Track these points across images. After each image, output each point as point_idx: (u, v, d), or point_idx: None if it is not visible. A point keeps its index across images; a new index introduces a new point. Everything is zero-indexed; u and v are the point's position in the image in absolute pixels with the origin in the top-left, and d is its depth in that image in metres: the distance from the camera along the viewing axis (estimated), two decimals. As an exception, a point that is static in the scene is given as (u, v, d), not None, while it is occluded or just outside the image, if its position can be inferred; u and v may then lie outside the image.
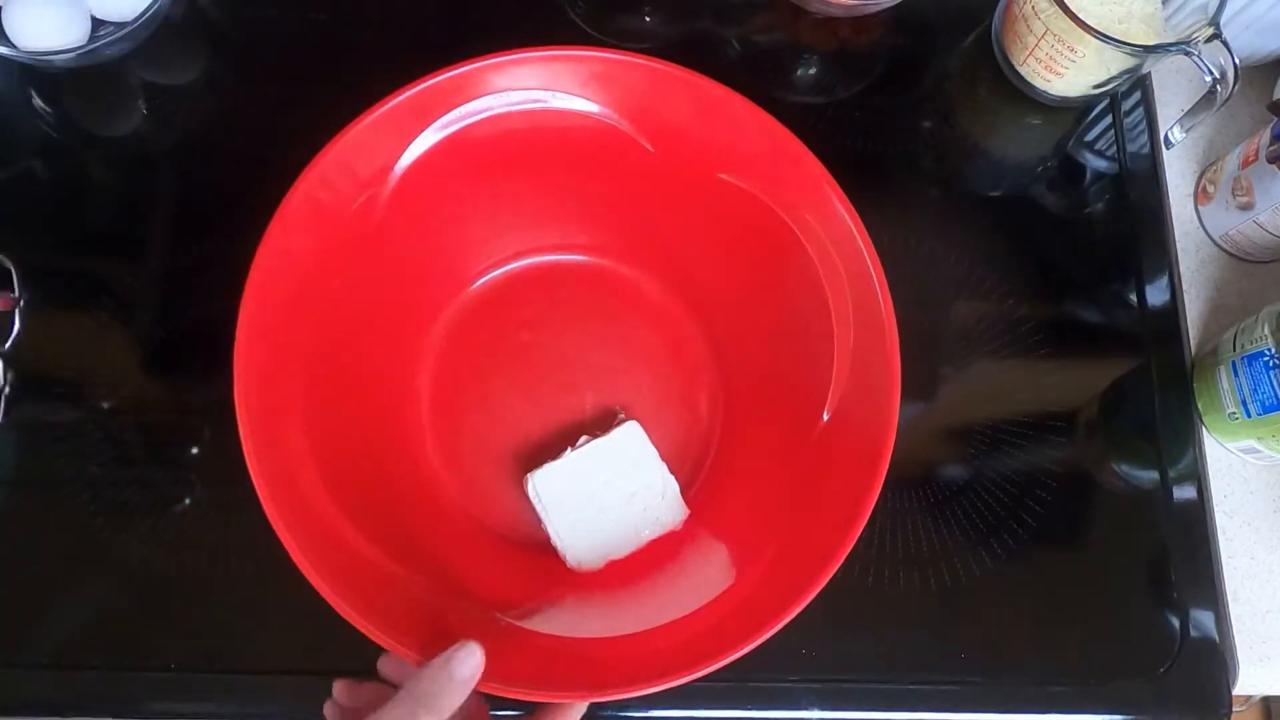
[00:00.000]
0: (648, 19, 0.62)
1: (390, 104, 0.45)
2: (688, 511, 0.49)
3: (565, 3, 0.61)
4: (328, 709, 0.42)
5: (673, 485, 0.49)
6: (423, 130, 0.46)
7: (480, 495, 0.51)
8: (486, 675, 0.38)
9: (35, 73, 0.57)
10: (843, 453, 0.45)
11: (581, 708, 0.42)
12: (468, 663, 0.37)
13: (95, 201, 0.57)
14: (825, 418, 0.46)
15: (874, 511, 0.52)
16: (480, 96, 0.47)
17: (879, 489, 0.43)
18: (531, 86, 0.47)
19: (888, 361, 0.44)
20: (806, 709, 0.49)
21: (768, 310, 0.50)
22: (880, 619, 0.51)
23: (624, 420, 0.50)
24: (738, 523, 0.49)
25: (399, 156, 0.46)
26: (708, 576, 0.46)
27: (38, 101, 0.57)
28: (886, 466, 0.43)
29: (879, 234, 0.53)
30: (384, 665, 0.43)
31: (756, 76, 0.61)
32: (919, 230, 0.58)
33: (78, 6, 0.53)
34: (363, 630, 0.39)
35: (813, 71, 0.62)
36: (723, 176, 0.48)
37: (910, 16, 0.61)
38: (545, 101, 0.47)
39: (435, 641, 0.39)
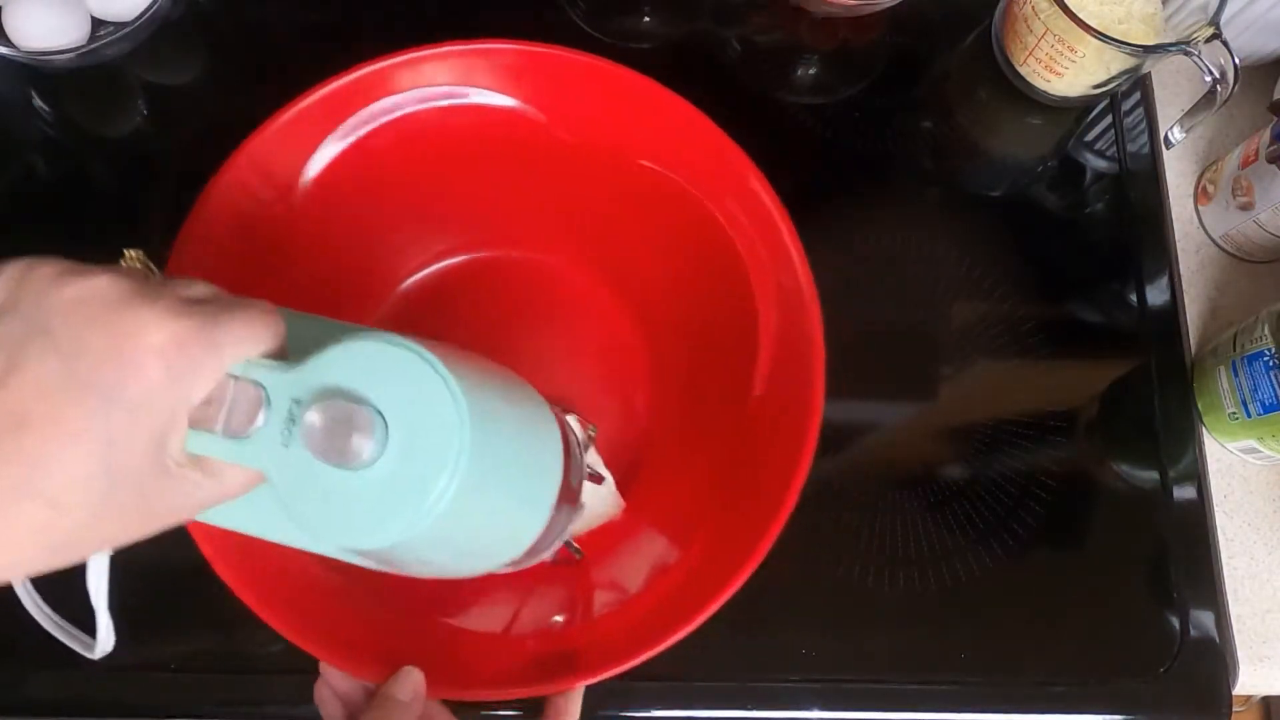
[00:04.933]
0: (648, 19, 0.62)
1: (297, 108, 0.44)
2: (624, 504, 0.49)
3: (565, 3, 0.61)
4: (319, 690, 0.42)
5: (608, 479, 0.49)
6: (331, 132, 0.46)
7: None
8: (435, 682, 0.39)
9: (35, 73, 0.57)
10: (774, 428, 0.45)
11: (576, 699, 0.42)
12: (406, 683, 0.39)
13: (95, 202, 0.57)
14: (754, 396, 0.46)
15: (874, 511, 0.52)
16: (391, 94, 0.46)
17: (809, 460, 0.42)
18: (444, 82, 0.46)
19: (811, 341, 0.44)
20: (806, 709, 0.49)
21: (695, 295, 0.50)
22: (880, 619, 0.51)
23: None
24: (675, 508, 0.48)
25: (308, 160, 0.46)
26: (647, 562, 0.46)
27: (38, 101, 0.57)
28: (816, 437, 0.42)
29: (878, 234, 0.54)
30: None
31: (756, 76, 0.61)
32: (919, 230, 0.58)
33: (78, 6, 0.53)
34: (300, 646, 0.40)
35: (813, 71, 0.62)
36: (643, 163, 0.48)
37: (910, 16, 0.61)
38: (459, 97, 0.47)
39: (371, 652, 0.40)
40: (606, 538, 0.49)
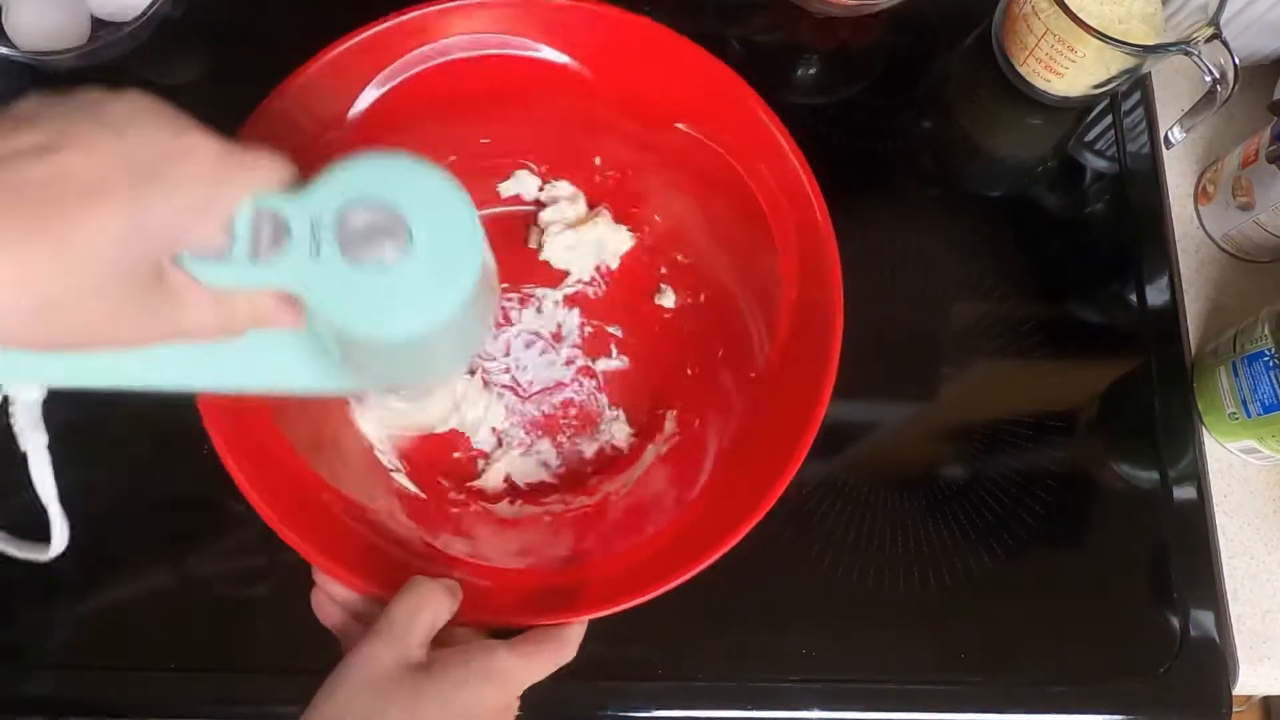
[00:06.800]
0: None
1: (344, 45, 0.46)
2: (633, 434, 0.51)
3: (565, 3, 0.61)
4: (316, 597, 0.42)
5: (621, 416, 0.51)
6: (377, 74, 0.47)
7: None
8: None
9: (35, 73, 0.57)
10: (791, 383, 0.46)
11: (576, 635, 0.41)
12: (448, 582, 0.39)
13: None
14: (775, 353, 0.47)
15: (874, 511, 0.53)
16: (438, 40, 0.47)
17: (822, 413, 0.43)
18: (490, 31, 0.47)
19: (831, 306, 0.45)
20: (806, 709, 0.49)
21: (722, 253, 0.51)
22: (880, 619, 0.51)
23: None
24: (695, 451, 0.49)
25: (357, 96, 0.47)
26: (663, 504, 0.47)
27: (38, 101, 0.57)
28: (830, 391, 0.43)
29: (878, 234, 0.53)
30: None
31: (757, 76, 0.61)
32: (920, 230, 0.58)
33: (78, 6, 0.53)
34: (327, 570, 0.41)
35: (813, 71, 0.62)
36: (679, 126, 0.49)
37: (910, 16, 0.61)
38: (503, 48, 0.48)
39: (376, 578, 0.41)
40: (620, 477, 0.50)
